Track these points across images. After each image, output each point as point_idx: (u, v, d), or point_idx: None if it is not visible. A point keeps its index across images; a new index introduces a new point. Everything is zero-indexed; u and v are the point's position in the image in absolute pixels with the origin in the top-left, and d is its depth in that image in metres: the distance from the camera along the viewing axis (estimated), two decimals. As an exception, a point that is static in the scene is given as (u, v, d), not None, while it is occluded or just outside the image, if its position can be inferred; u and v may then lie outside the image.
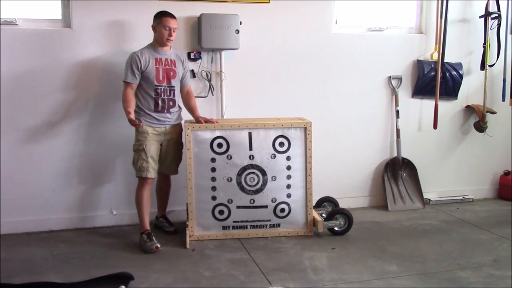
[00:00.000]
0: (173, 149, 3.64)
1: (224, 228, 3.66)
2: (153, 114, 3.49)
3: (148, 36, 3.81)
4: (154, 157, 3.49)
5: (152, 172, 3.48)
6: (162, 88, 3.50)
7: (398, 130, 4.47)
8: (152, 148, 3.48)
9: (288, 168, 3.65)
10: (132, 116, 3.33)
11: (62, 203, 3.88)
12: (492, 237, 3.69)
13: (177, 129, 3.65)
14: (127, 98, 3.41)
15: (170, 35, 3.48)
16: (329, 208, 4.03)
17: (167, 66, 3.51)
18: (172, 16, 3.49)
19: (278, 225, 3.70)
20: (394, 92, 4.47)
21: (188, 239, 3.53)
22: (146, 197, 3.50)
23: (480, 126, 4.58)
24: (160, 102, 3.49)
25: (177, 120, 3.65)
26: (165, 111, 3.53)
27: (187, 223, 3.65)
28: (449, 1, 4.36)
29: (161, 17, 3.47)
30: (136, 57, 3.43)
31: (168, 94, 3.53)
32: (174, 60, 3.57)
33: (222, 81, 4.04)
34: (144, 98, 3.49)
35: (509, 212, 4.36)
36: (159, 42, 3.51)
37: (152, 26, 3.51)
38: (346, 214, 3.74)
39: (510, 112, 4.69)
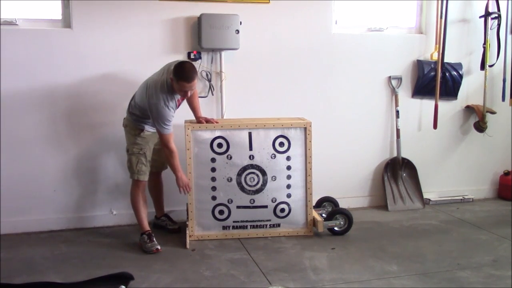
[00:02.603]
0: None
1: (224, 228, 3.66)
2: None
3: (148, 36, 3.82)
4: (150, 160, 3.53)
5: (148, 175, 3.52)
6: None
7: (398, 130, 4.47)
8: (151, 152, 3.52)
9: (288, 168, 3.65)
10: (185, 176, 3.45)
11: (62, 203, 3.88)
12: (492, 237, 3.69)
13: None
14: (176, 154, 3.37)
15: (184, 96, 3.34)
16: (329, 208, 4.03)
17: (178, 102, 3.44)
18: (190, 79, 3.21)
19: (278, 225, 3.70)
20: (394, 92, 4.47)
21: (188, 239, 3.54)
22: (143, 199, 3.51)
23: (480, 126, 4.58)
24: None
25: None
26: None
27: (187, 223, 3.65)
28: (449, 1, 4.36)
29: (179, 80, 3.19)
30: (172, 110, 3.29)
31: None
32: None
33: (222, 81, 4.04)
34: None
35: (509, 212, 4.36)
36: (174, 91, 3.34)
37: (171, 77, 3.24)
38: (346, 214, 3.74)
39: (510, 112, 4.69)
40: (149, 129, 3.46)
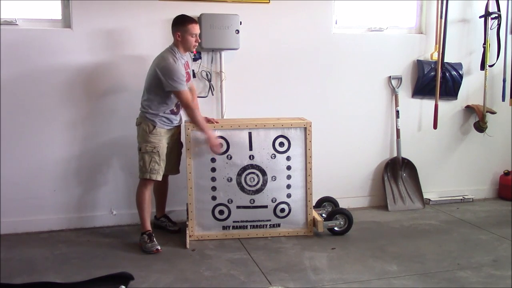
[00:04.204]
0: (176, 149, 3.67)
1: (224, 228, 3.66)
2: (168, 116, 3.48)
3: (148, 36, 3.82)
4: (165, 159, 3.50)
5: (161, 174, 3.48)
6: None
7: (398, 130, 4.47)
8: (164, 151, 3.49)
9: (288, 168, 3.65)
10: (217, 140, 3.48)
11: (62, 203, 3.88)
12: (492, 237, 3.69)
13: (179, 130, 3.67)
14: (195, 109, 3.41)
15: (196, 41, 3.43)
16: (329, 208, 4.03)
17: (185, 70, 3.49)
18: (196, 21, 3.44)
19: (278, 225, 3.70)
20: (394, 92, 4.47)
21: (188, 239, 3.54)
22: (148, 198, 3.49)
23: (480, 126, 4.58)
24: (177, 105, 3.51)
25: (181, 121, 3.67)
26: (179, 112, 3.57)
27: (187, 223, 3.65)
28: (449, 1, 4.36)
29: (187, 24, 3.38)
30: (180, 64, 3.36)
31: None
32: (187, 61, 3.56)
33: (222, 81, 4.04)
34: (164, 101, 3.42)
35: (509, 212, 4.36)
36: (185, 48, 3.44)
37: (176, 33, 3.39)
38: (346, 214, 3.74)
39: (510, 112, 4.70)
40: (162, 126, 3.45)
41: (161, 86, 3.35)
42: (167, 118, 3.49)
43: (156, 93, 3.41)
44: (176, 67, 3.32)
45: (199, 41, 3.49)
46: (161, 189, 3.79)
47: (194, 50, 3.52)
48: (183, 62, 3.45)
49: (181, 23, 3.40)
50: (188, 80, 3.53)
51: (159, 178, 3.46)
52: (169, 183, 3.82)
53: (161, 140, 3.46)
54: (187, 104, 3.38)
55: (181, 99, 3.37)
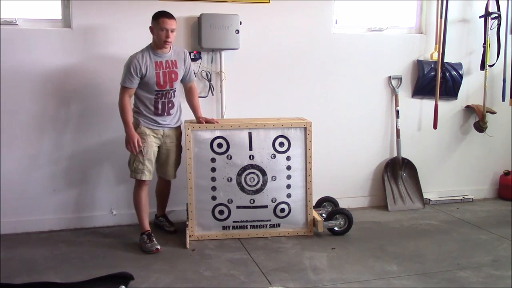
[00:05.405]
0: (174, 153, 3.62)
1: (224, 228, 3.66)
2: (153, 117, 3.46)
3: (148, 36, 3.82)
4: (151, 159, 3.47)
5: (147, 174, 3.45)
6: (164, 92, 3.45)
7: (398, 130, 4.47)
8: (150, 150, 3.45)
9: (288, 168, 3.65)
10: (134, 133, 3.37)
11: (62, 203, 3.88)
12: (492, 237, 3.69)
13: (177, 133, 3.63)
14: (126, 107, 3.35)
15: (167, 36, 3.31)
16: (329, 208, 4.03)
17: (168, 69, 3.43)
18: (169, 16, 3.33)
19: (278, 225, 3.70)
20: (394, 92, 4.47)
21: (188, 239, 3.54)
22: (144, 198, 3.49)
23: (480, 126, 4.58)
24: (160, 105, 3.46)
25: (177, 123, 3.62)
26: (165, 114, 3.51)
27: (187, 223, 3.65)
28: (449, 1, 4.36)
29: (158, 18, 3.31)
30: (136, 62, 3.30)
31: (168, 97, 3.49)
32: (175, 60, 3.48)
33: (222, 81, 4.04)
34: (143, 102, 3.43)
35: (509, 212, 4.36)
36: (157, 44, 3.38)
37: (150, 27, 3.38)
38: (346, 214, 3.75)
39: (510, 112, 4.70)
40: (146, 125, 3.44)
41: (139, 85, 3.39)
42: (151, 119, 3.46)
43: (137, 92, 3.44)
44: (133, 63, 3.31)
45: (170, 37, 3.33)
46: (163, 190, 3.78)
47: (167, 47, 3.41)
48: (154, 60, 3.38)
49: (154, 17, 3.35)
50: (174, 80, 3.46)
51: (144, 177, 3.44)
52: (172, 185, 3.82)
53: (146, 140, 3.43)
54: (120, 101, 3.38)
55: (120, 93, 3.38)
